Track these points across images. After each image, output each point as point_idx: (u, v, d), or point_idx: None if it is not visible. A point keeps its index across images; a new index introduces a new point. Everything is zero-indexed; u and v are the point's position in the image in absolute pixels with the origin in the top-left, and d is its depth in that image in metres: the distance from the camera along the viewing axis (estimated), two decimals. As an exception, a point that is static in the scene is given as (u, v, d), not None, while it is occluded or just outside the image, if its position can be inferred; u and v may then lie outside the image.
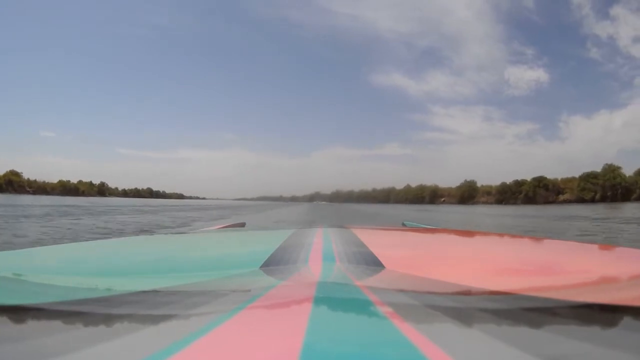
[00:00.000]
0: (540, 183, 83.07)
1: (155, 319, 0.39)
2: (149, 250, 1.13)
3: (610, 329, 0.39)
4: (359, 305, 0.42)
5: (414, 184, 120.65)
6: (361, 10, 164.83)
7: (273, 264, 0.75)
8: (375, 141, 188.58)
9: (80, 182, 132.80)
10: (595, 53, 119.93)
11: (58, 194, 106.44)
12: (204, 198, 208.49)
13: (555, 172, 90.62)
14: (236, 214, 19.20)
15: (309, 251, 0.87)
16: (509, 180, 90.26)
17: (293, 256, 0.81)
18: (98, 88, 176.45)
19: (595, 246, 1.15)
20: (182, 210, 23.55)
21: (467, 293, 0.54)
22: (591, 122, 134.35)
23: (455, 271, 0.72)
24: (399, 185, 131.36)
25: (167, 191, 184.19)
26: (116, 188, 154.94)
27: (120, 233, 7.97)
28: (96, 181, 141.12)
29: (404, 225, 2.61)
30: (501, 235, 1.54)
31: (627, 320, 0.41)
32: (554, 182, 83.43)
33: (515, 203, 79.31)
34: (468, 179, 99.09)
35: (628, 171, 73.14)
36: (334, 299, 0.47)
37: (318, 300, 0.41)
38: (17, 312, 0.44)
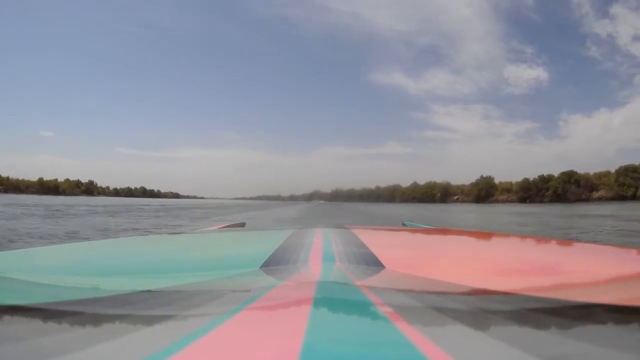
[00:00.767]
0: (571, 178, 72.78)
1: (156, 319, 0.39)
2: (149, 250, 1.11)
3: (610, 329, 0.38)
4: (359, 306, 0.42)
5: (415, 183, 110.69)
6: (360, 9, 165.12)
7: (273, 264, 0.74)
8: (375, 140, 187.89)
9: (66, 180, 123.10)
10: (594, 51, 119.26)
11: (35, 193, 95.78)
12: (202, 197, 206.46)
13: (554, 170, 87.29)
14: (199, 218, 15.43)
15: (309, 251, 0.86)
16: (515, 178, 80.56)
17: (293, 256, 0.80)
18: (98, 88, 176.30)
19: (595, 246, 1.16)
20: (157, 210, 21.49)
21: (468, 293, 0.54)
22: (591, 121, 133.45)
23: (456, 271, 0.72)
24: (404, 183, 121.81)
25: (164, 190, 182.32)
26: (107, 187, 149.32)
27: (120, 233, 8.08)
28: (95, 181, 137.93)
29: (404, 225, 2.57)
30: (502, 235, 1.53)
31: (627, 320, 0.41)
32: (586, 177, 73.26)
33: (541, 201, 69.19)
34: (484, 175, 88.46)
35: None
36: (334, 299, 0.46)
37: (318, 301, 0.41)
38: (17, 312, 0.44)
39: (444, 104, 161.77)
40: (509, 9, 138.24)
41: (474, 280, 0.61)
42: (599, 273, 0.72)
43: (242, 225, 2.63)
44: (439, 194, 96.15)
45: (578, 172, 74.40)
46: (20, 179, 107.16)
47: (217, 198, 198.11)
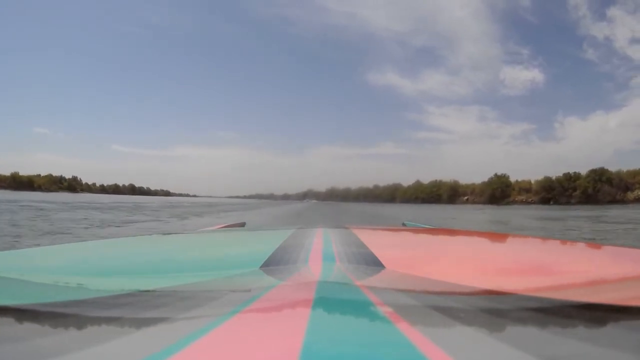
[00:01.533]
0: (602, 177, 64.17)
1: (155, 319, 0.38)
2: (148, 250, 1.10)
3: (610, 329, 0.37)
4: (359, 306, 0.41)
5: (417, 182, 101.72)
6: (357, 9, 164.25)
7: (273, 264, 0.73)
8: (370, 140, 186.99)
9: (46, 175, 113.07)
10: (591, 54, 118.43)
11: (6, 188, 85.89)
12: (194, 195, 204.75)
13: (550, 172, 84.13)
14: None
15: (309, 251, 0.85)
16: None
17: (293, 256, 0.79)
18: (96, 87, 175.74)
19: (595, 246, 1.12)
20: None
21: (468, 293, 0.53)
22: (587, 123, 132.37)
23: (456, 271, 0.71)
24: (404, 182, 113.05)
25: (158, 188, 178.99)
26: (94, 184, 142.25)
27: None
28: (90, 178, 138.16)
29: (404, 225, 2.52)
30: (502, 235, 1.51)
31: (627, 320, 0.40)
32: (619, 175, 65.05)
33: (568, 202, 60.62)
34: (499, 173, 79.46)
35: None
36: (334, 299, 0.45)
37: (318, 301, 0.40)
38: (17, 312, 0.43)
39: (439, 104, 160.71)
40: (506, 10, 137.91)
41: (474, 280, 0.61)
42: (599, 273, 0.72)
43: (242, 225, 2.61)
44: (445, 194, 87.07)
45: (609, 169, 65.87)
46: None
47: (210, 196, 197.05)
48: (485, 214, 25.30)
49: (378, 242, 1.17)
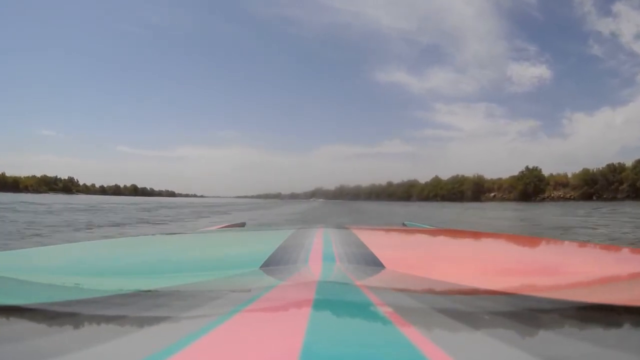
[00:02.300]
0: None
1: (155, 319, 0.38)
2: (148, 250, 1.10)
3: (610, 329, 0.37)
4: (359, 306, 0.41)
5: (436, 178, 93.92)
6: (362, 7, 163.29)
7: (273, 264, 0.73)
8: (377, 139, 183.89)
9: (43, 175, 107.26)
10: (597, 50, 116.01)
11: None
12: (201, 196, 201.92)
13: (557, 169, 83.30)
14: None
15: (309, 251, 0.84)
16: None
17: (293, 256, 0.79)
18: (98, 87, 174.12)
19: (595, 246, 1.13)
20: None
21: (468, 293, 0.52)
22: (593, 119, 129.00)
23: (456, 271, 0.71)
24: (421, 179, 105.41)
25: (164, 189, 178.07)
26: (93, 185, 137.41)
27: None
28: (103, 180, 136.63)
29: (404, 225, 2.55)
30: (501, 235, 1.53)
31: (627, 320, 0.40)
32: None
33: (614, 197, 52.95)
34: (530, 167, 71.46)
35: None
36: (334, 299, 0.45)
37: (318, 301, 0.40)
38: (17, 312, 0.43)
39: (446, 102, 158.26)
40: (511, 7, 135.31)
41: (474, 280, 0.60)
42: (599, 273, 0.72)
43: (242, 225, 2.63)
44: (469, 191, 79.17)
45: None
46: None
47: (218, 197, 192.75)
48: (526, 214, 19.60)
49: (378, 242, 1.17)
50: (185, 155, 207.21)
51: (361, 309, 0.40)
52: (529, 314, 0.41)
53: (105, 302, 0.47)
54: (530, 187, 67.66)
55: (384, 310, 0.38)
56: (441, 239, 1.37)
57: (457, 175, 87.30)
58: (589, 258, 0.91)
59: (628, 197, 51.54)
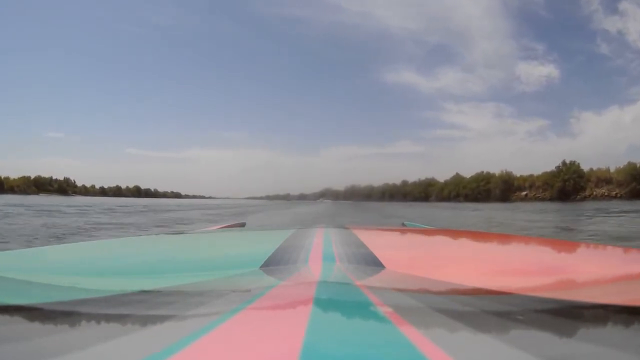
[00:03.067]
0: None
1: (156, 319, 0.38)
2: (149, 250, 1.10)
3: (610, 329, 0.37)
4: (359, 306, 0.41)
5: (457, 175, 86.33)
6: (370, 8, 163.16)
7: (273, 264, 0.73)
8: (386, 139, 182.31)
9: (37, 177, 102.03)
10: (604, 48, 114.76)
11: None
12: (210, 197, 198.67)
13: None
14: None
15: (309, 251, 0.84)
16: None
17: (293, 256, 0.79)
18: (106, 89, 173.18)
19: (595, 246, 1.12)
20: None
21: (468, 293, 0.52)
22: (601, 118, 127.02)
23: (456, 271, 0.71)
24: (437, 178, 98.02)
25: (171, 190, 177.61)
26: (92, 186, 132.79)
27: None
28: (111, 183, 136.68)
29: (404, 225, 2.59)
30: (501, 235, 1.52)
31: (627, 320, 0.40)
32: None
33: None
34: (569, 161, 63.66)
35: None
36: (334, 299, 0.45)
37: (318, 301, 0.40)
38: (17, 312, 0.43)
39: (455, 102, 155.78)
40: (519, 6, 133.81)
41: (474, 280, 0.60)
42: (599, 273, 0.72)
43: (242, 225, 2.63)
44: (497, 189, 71.47)
45: None
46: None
47: (228, 198, 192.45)
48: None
49: (378, 242, 1.17)
50: (194, 157, 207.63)
51: (361, 309, 0.40)
52: (528, 314, 0.41)
53: (105, 302, 0.47)
54: (570, 185, 60.09)
55: (384, 310, 0.38)
56: (441, 239, 1.38)
57: (482, 172, 79.60)
58: (589, 258, 0.92)
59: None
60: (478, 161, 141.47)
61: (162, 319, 0.38)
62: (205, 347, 0.29)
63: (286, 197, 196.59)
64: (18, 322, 0.40)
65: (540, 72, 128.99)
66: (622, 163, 62.02)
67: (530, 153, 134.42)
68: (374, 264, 0.72)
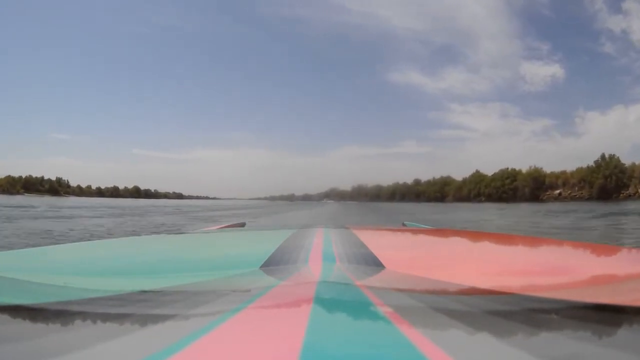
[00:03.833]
0: None
1: (156, 319, 0.38)
2: (149, 250, 1.10)
3: (610, 329, 0.37)
4: (359, 306, 0.41)
5: (477, 173, 79.54)
6: (374, 8, 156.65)
7: (273, 264, 0.73)
8: (392, 139, 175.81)
9: (27, 176, 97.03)
10: (609, 48, 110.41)
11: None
12: (214, 198, 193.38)
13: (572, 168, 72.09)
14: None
15: (309, 251, 0.84)
16: None
17: (293, 256, 0.79)
18: (110, 90, 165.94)
19: (595, 246, 1.16)
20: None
21: (468, 293, 0.52)
22: (606, 118, 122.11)
23: (456, 271, 0.71)
24: (456, 176, 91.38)
25: (173, 191, 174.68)
26: (88, 186, 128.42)
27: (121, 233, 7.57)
28: (112, 183, 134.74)
29: (404, 225, 2.59)
30: (501, 235, 1.53)
31: (627, 320, 0.40)
32: None
33: None
34: (608, 155, 56.76)
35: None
36: (334, 299, 0.45)
37: (318, 301, 0.40)
38: (17, 312, 0.43)
39: (461, 102, 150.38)
40: (523, 5, 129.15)
41: (474, 280, 0.60)
42: (599, 273, 0.71)
43: (242, 225, 2.63)
44: (526, 188, 64.68)
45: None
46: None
47: (234, 198, 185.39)
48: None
49: (378, 242, 1.18)
50: (199, 157, 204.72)
51: (361, 309, 0.40)
52: (528, 314, 0.41)
53: (105, 301, 0.47)
54: (612, 182, 53.31)
55: (384, 310, 0.38)
56: (441, 239, 1.38)
57: (507, 169, 72.77)
58: (589, 258, 0.92)
59: None
60: (482, 162, 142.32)
61: (162, 319, 0.38)
62: (206, 347, 0.29)
63: (290, 198, 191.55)
64: (18, 322, 0.40)
65: (545, 71, 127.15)
66: (627, 162, 57.89)
67: (535, 153, 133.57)
68: (374, 264, 0.72)
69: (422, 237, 1.46)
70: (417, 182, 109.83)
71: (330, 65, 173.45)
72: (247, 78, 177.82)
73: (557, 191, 60.56)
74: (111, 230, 8.76)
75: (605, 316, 0.42)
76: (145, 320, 0.38)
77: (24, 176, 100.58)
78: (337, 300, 0.45)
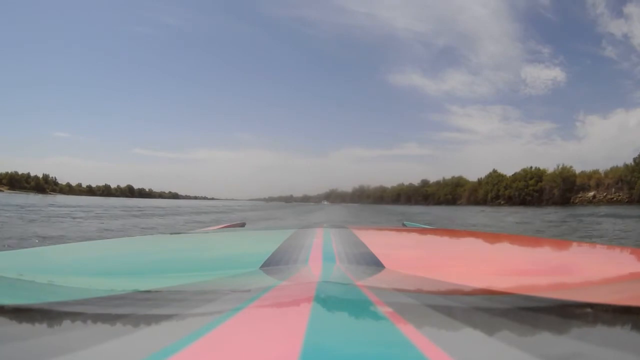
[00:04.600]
0: None
1: (156, 319, 0.38)
2: (149, 250, 1.10)
3: (610, 329, 0.37)
4: (359, 306, 0.41)
5: (495, 173, 73.73)
6: (377, 10, 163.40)
7: (273, 264, 0.73)
8: (394, 141, 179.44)
9: (12, 172, 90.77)
10: (610, 52, 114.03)
11: None
12: (212, 198, 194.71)
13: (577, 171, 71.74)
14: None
15: (309, 251, 0.85)
16: None
17: (293, 256, 0.79)
18: (113, 89, 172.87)
19: (595, 246, 1.13)
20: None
21: (468, 293, 0.52)
22: (607, 121, 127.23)
23: (456, 271, 0.71)
24: (469, 177, 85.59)
25: (169, 190, 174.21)
26: (78, 184, 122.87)
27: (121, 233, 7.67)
28: (116, 182, 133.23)
29: (404, 225, 2.60)
30: (501, 235, 1.54)
31: (627, 320, 0.40)
32: None
33: None
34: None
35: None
36: (334, 299, 0.45)
37: (318, 301, 0.40)
38: (17, 312, 0.43)
39: (462, 105, 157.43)
40: (525, 8, 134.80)
41: (474, 280, 0.60)
42: (599, 273, 0.71)
43: (242, 225, 2.63)
44: (555, 189, 58.78)
45: None
46: None
47: (233, 199, 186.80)
48: None
49: (378, 242, 1.18)
50: (202, 158, 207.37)
51: (361, 309, 0.40)
52: (529, 314, 0.41)
53: (105, 301, 0.47)
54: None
55: (384, 310, 0.37)
56: (441, 239, 1.38)
57: (530, 168, 66.87)
58: (589, 258, 0.92)
59: None
60: (485, 164, 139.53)
61: (162, 318, 0.38)
62: (206, 347, 0.29)
63: (288, 199, 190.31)
64: (18, 322, 0.39)
65: (546, 75, 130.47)
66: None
67: (536, 156, 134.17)
68: (374, 264, 0.72)
69: (422, 237, 1.46)
70: (424, 183, 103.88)
71: (332, 67, 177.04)
72: (250, 79, 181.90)
73: (591, 193, 54.85)
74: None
75: (605, 316, 0.42)
76: (145, 320, 0.38)
77: (9, 172, 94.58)
78: (337, 300, 0.45)
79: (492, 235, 1.48)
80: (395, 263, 0.73)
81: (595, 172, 57.99)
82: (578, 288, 0.59)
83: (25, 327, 0.38)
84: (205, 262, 0.89)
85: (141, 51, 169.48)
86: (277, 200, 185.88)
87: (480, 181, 76.70)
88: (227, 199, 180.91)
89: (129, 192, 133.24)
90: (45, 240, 6.03)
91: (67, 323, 0.38)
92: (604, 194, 53.36)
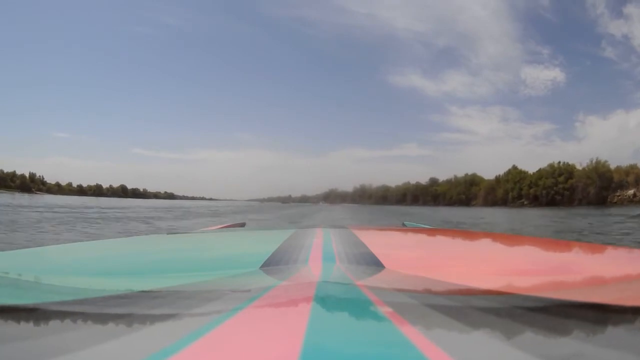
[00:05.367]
0: None
1: (156, 319, 0.38)
2: (149, 250, 1.09)
3: (610, 329, 0.37)
4: (359, 306, 0.41)
5: (515, 169, 68.45)
6: (377, 10, 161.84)
7: (273, 264, 0.73)
8: (394, 142, 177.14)
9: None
10: (610, 52, 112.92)
11: None
12: (210, 199, 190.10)
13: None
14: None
15: (309, 251, 0.84)
16: None
17: (293, 256, 0.79)
18: (113, 89, 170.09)
19: (595, 246, 1.15)
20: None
21: (468, 293, 0.52)
22: (607, 122, 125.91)
23: (456, 271, 0.71)
24: (485, 175, 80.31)
25: (164, 190, 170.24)
26: (69, 184, 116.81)
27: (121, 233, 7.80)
28: (116, 182, 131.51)
29: (404, 225, 2.61)
30: (501, 235, 1.53)
31: (627, 320, 0.40)
32: None
33: None
34: None
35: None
36: (334, 299, 0.45)
37: (318, 301, 0.40)
38: (17, 312, 0.43)
39: (461, 105, 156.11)
40: (525, 9, 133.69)
41: (474, 280, 0.60)
42: (599, 273, 0.72)
43: (242, 225, 2.65)
44: (591, 187, 53.17)
45: None
46: None
47: (233, 200, 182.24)
48: None
49: (378, 242, 1.18)
50: (202, 158, 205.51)
51: (361, 309, 0.40)
52: (528, 314, 0.41)
53: (105, 301, 0.47)
54: None
55: (384, 310, 0.37)
56: (441, 239, 1.38)
57: (558, 164, 61.32)
58: (589, 258, 0.92)
59: None
60: (485, 165, 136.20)
61: (162, 318, 0.38)
62: (206, 347, 0.29)
63: (286, 200, 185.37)
64: (18, 322, 0.39)
65: (546, 75, 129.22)
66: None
67: (536, 157, 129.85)
68: (374, 264, 0.72)
69: (422, 237, 1.45)
70: (433, 182, 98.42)
71: (332, 67, 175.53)
72: (250, 79, 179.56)
73: (631, 191, 49.51)
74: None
75: (605, 316, 0.41)
76: (145, 320, 0.38)
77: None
78: (337, 300, 0.45)
79: (492, 235, 1.49)
80: (395, 263, 0.73)
81: (633, 167, 52.47)
82: (578, 288, 0.59)
83: (25, 327, 0.37)
84: (205, 262, 0.89)
85: (141, 51, 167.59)
86: (275, 200, 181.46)
87: (498, 179, 71.24)
88: (224, 200, 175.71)
89: (122, 192, 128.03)
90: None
91: (66, 323, 0.37)
92: (645, 191, 48.12)
